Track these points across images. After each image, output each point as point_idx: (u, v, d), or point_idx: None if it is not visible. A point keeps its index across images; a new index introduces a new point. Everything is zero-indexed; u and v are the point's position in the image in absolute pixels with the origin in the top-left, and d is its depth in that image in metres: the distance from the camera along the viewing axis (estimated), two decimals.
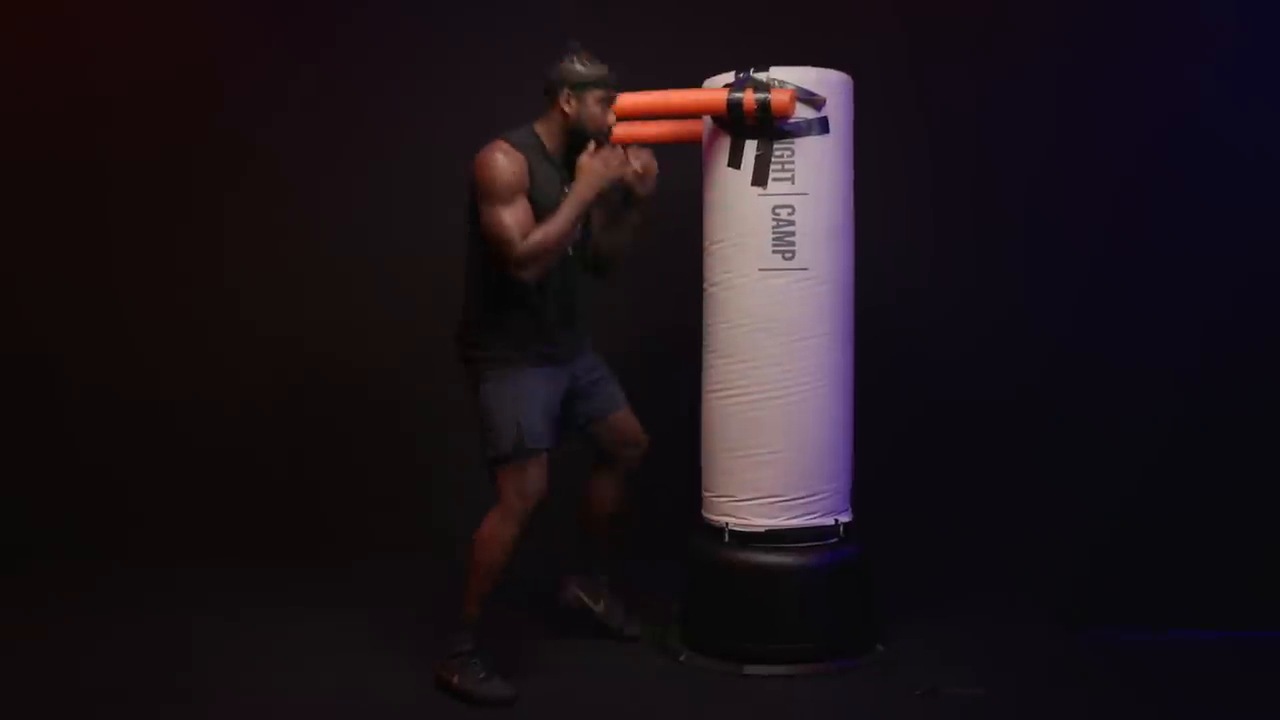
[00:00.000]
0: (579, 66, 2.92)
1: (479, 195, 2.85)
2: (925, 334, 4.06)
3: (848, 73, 3.10)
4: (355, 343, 4.33)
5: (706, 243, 3.17)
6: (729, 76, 3.04)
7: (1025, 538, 3.92)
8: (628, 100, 3.03)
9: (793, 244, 3.00)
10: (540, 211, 2.85)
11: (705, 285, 3.19)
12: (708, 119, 3.13)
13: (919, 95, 4.02)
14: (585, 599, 3.33)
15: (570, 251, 2.98)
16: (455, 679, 2.90)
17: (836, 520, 3.13)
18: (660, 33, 4.07)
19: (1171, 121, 3.94)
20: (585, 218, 2.98)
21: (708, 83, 3.11)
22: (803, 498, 3.07)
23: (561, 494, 3.02)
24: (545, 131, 2.96)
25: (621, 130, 3.12)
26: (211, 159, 4.33)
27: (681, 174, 3.29)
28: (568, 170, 2.95)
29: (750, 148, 3.02)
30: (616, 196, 3.05)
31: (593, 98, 2.92)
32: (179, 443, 4.36)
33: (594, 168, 2.88)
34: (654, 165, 3.01)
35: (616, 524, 3.28)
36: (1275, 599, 3.50)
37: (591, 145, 2.93)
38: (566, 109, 2.92)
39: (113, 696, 2.99)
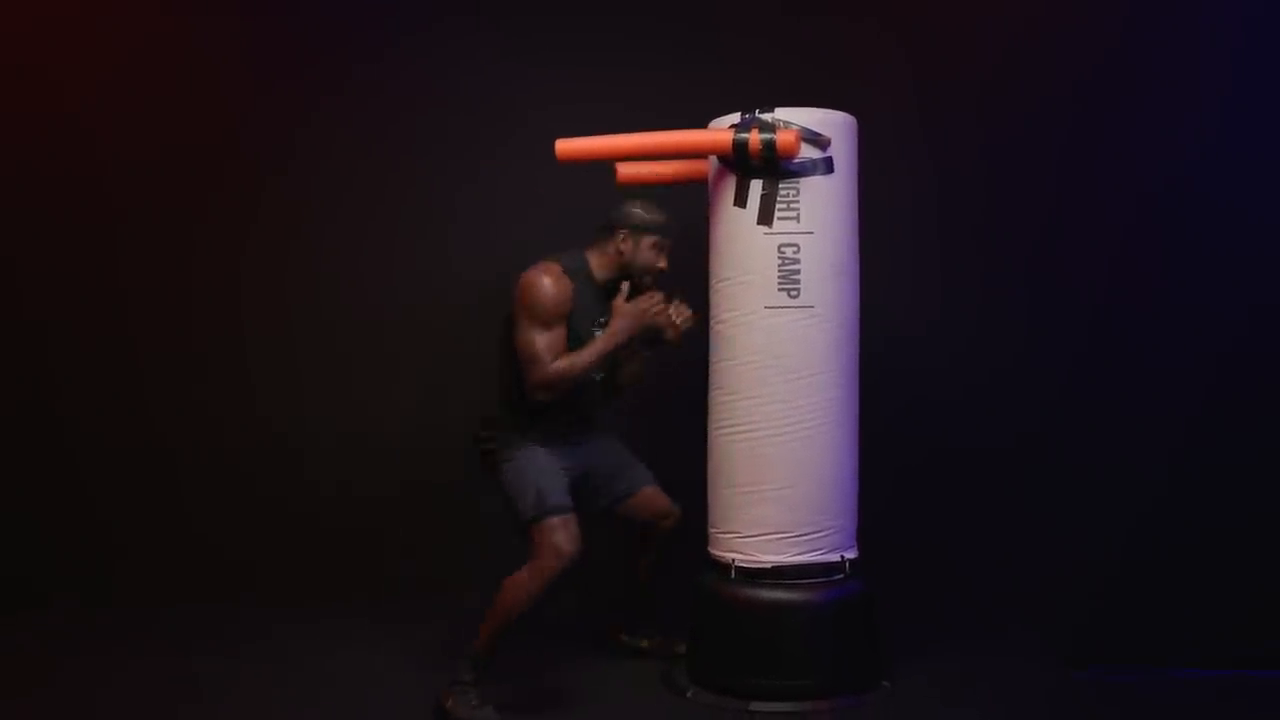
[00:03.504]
0: (639, 211, 3.15)
1: (520, 310, 3.04)
2: (930, 373, 4.07)
3: (853, 114, 3.14)
4: (361, 374, 4.35)
5: (712, 280, 3.20)
6: (734, 117, 3.08)
7: (1029, 577, 3.92)
8: (635, 140, 3.08)
9: (798, 282, 3.03)
10: (573, 336, 3.05)
11: (711, 322, 3.21)
12: (714, 158, 3.17)
13: (923, 137, 4.07)
14: (635, 643, 3.51)
15: (596, 377, 3.18)
16: (450, 703, 2.97)
17: (842, 556, 3.14)
18: (667, 73, 4.12)
19: (1171, 171, 3.98)
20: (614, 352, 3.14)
21: (714, 123, 3.14)
22: (808, 534, 3.08)
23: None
24: (597, 263, 3.17)
25: (627, 170, 3.19)
26: (224, 207, 4.36)
27: (687, 212, 3.34)
28: (607, 302, 3.13)
29: (756, 187, 3.05)
30: (647, 335, 3.18)
31: (648, 242, 3.15)
32: (182, 484, 4.36)
33: (631, 312, 3.05)
34: (691, 320, 3.16)
35: (652, 585, 3.49)
36: (1275, 639, 3.50)
37: (626, 288, 3.12)
38: (623, 248, 3.14)
39: None
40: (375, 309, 4.33)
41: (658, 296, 3.10)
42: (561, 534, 2.98)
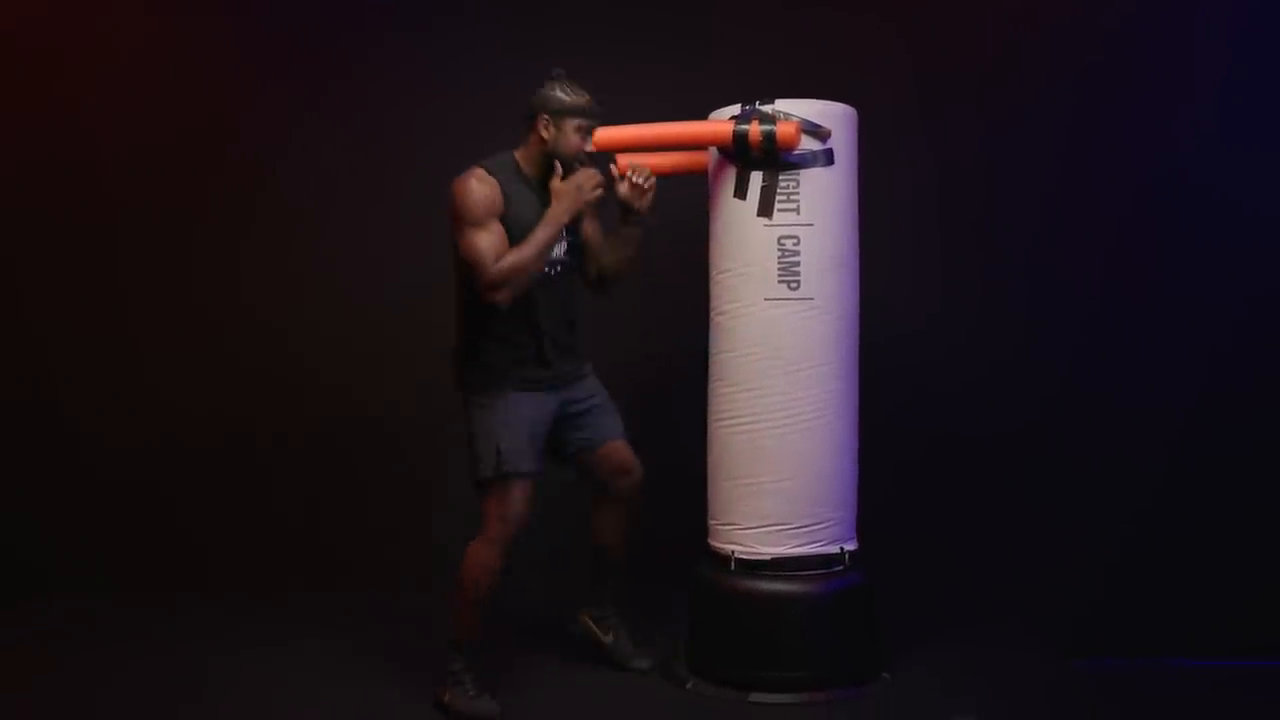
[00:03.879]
0: (559, 94, 2.96)
1: (455, 220, 2.91)
2: (929, 365, 4.08)
3: (853, 106, 3.14)
4: (358, 371, 4.36)
5: (713, 272, 3.20)
6: (735, 109, 3.08)
7: (1028, 568, 3.93)
8: (635, 131, 3.08)
9: (798, 274, 3.03)
10: (516, 235, 2.89)
11: (711, 314, 3.21)
12: (714, 150, 3.17)
13: (923, 129, 4.06)
14: (595, 631, 3.35)
15: (555, 272, 3.01)
16: (447, 697, 2.97)
17: (842, 548, 3.14)
18: (667, 65, 4.12)
19: (1168, 163, 3.97)
20: (572, 238, 3.03)
21: (714, 115, 3.14)
22: (808, 526, 3.09)
23: (564, 521, 3.03)
24: (523, 157, 3.01)
25: (625, 161, 3.17)
26: (223, 204, 4.36)
27: (687, 204, 3.34)
28: (546, 194, 2.97)
29: (756, 179, 3.05)
30: (615, 213, 3.08)
31: (570, 125, 2.96)
32: (181, 479, 4.36)
33: (567, 191, 2.92)
34: (652, 180, 3.04)
35: (615, 554, 3.30)
36: (1274, 630, 3.51)
37: (559, 168, 2.97)
38: (545, 135, 2.97)
39: None
40: (374, 304, 4.33)
41: (593, 172, 2.95)
42: (515, 497, 2.91)
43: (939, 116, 4.08)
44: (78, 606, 4.02)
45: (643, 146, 3.18)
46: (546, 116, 2.95)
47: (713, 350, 3.21)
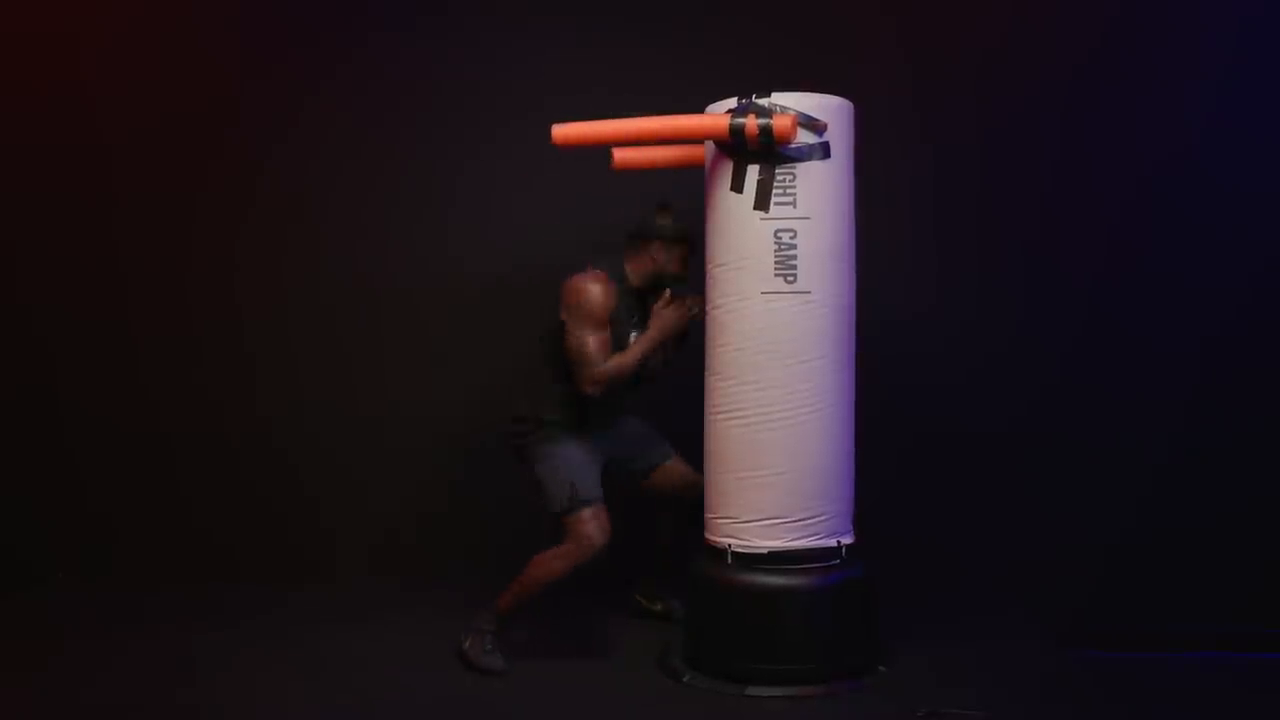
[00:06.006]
0: (671, 224, 3.36)
1: (570, 314, 3.26)
2: (927, 357, 4.08)
3: (849, 99, 3.13)
4: (360, 368, 4.36)
5: (709, 265, 3.20)
6: (731, 102, 3.07)
7: (1025, 560, 3.93)
8: (632, 125, 3.07)
9: (794, 268, 3.03)
10: (613, 337, 3.26)
11: (708, 307, 3.21)
12: (710, 144, 3.16)
13: (920, 121, 4.06)
14: (648, 605, 3.75)
15: (645, 376, 3.41)
16: (467, 643, 3.28)
17: (839, 542, 3.14)
18: (664, 58, 4.12)
19: (1168, 152, 3.97)
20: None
21: (710, 108, 3.14)
22: (805, 519, 3.09)
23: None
24: (633, 271, 3.38)
25: (623, 155, 3.25)
26: (222, 192, 4.36)
27: (684, 197, 3.34)
28: (644, 307, 3.38)
29: (752, 172, 3.05)
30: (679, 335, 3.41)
31: (677, 252, 3.37)
32: (180, 467, 4.38)
33: (670, 316, 3.31)
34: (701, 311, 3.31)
35: (674, 550, 3.64)
36: (1270, 621, 3.51)
37: (668, 294, 3.35)
38: (657, 258, 3.36)
39: (115, 714, 3.00)
40: (373, 294, 4.34)
41: (689, 300, 3.33)
42: (593, 525, 3.21)
43: (936, 109, 4.08)
44: (76, 591, 4.05)
45: (640, 140, 3.19)
46: (660, 243, 3.35)
47: (709, 343, 3.21)
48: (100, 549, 4.35)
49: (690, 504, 3.46)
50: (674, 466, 3.56)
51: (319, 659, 3.37)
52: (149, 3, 4.35)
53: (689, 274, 3.39)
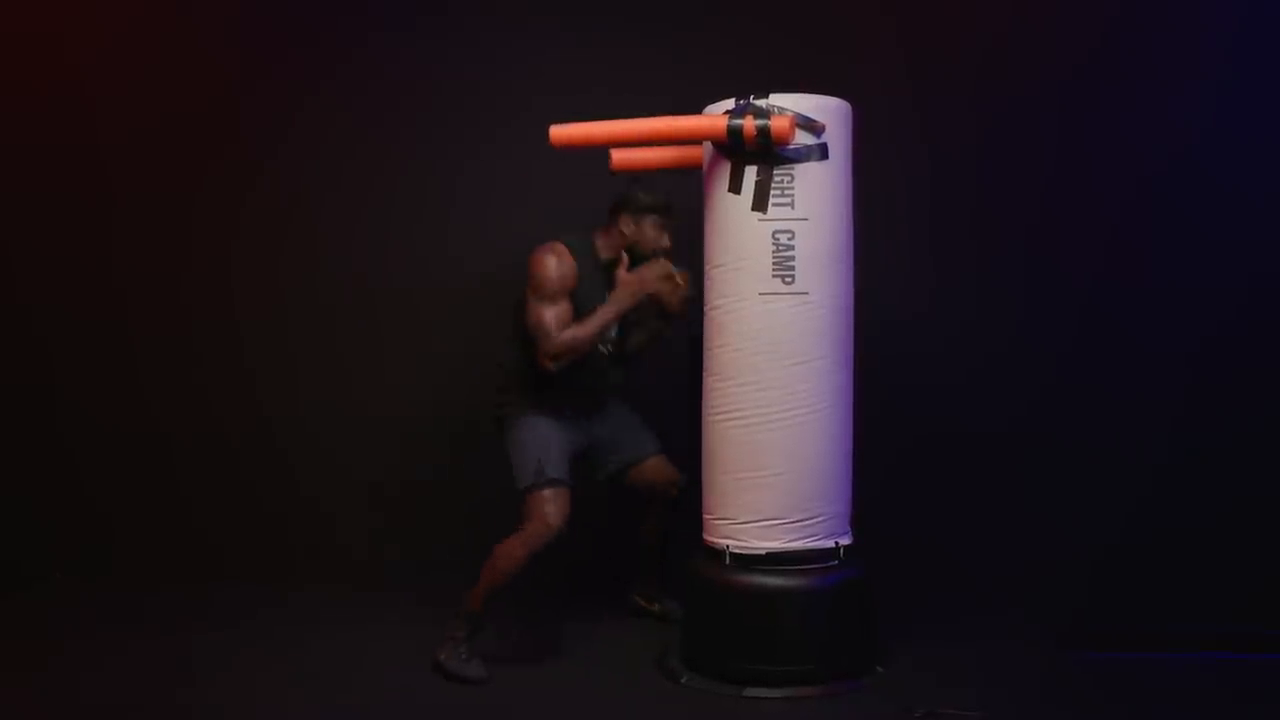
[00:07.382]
0: (640, 194, 3.31)
1: (529, 286, 3.21)
2: (925, 358, 4.07)
3: (848, 100, 3.13)
4: (358, 368, 4.36)
5: (707, 266, 3.20)
6: (729, 103, 3.07)
7: (1024, 561, 3.93)
8: (630, 126, 3.08)
9: (792, 268, 3.03)
10: (579, 310, 3.20)
11: (706, 308, 3.21)
12: (708, 145, 3.16)
13: (918, 122, 4.05)
14: (645, 605, 3.71)
15: (602, 348, 3.36)
16: (442, 656, 3.18)
17: (836, 543, 3.14)
18: (662, 59, 4.11)
19: (1167, 153, 3.96)
20: (620, 320, 3.31)
21: (708, 109, 3.13)
22: (803, 520, 3.09)
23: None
24: (603, 243, 3.34)
25: (621, 156, 3.26)
26: (220, 192, 4.36)
27: (682, 198, 3.33)
28: (612, 278, 3.29)
29: (750, 173, 3.04)
30: (652, 306, 3.34)
31: (649, 222, 3.31)
32: (178, 467, 4.39)
33: (633, 281, 3.23)
34: (687, 284, 3.26)
35: (661, 548, 3.65)
36: (1270, 621, 3.51)
37: (626, 259, 3.30)
38: (625, 230, 3.32)
39: (115, 714, 3.00)
40: (371, 294, 4.34)
41: (663, 263, 3.25)
42: (552, 506, 3.18)
43: (934, 109, 4.07)
44: (74, 591, 4.06)
45: (637, 141, 3.19)
46: (627, 214, 3.31)
47: (707, 344, 3.21)
48: (100, 549, 4.35)
49: (667, 502, 3.49)
50: (659, 462, 3.53)
51: (319, 659, 3.38)
52: (149, 3, 4.36)
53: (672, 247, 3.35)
